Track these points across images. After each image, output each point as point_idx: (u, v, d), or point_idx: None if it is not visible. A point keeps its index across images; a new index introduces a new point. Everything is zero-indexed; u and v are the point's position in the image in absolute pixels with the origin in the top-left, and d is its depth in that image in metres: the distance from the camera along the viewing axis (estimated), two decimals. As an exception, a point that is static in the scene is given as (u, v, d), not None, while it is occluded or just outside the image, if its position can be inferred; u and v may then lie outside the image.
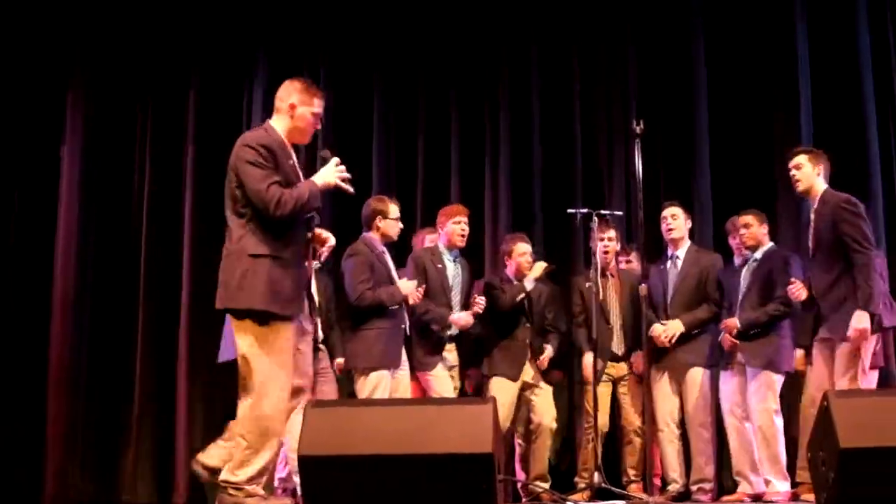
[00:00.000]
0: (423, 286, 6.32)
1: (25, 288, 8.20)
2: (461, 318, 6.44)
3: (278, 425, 4.52)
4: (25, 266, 8.23)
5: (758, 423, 6.21)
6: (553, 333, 6.87)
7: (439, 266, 6.51)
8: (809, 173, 5.77)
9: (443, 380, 6.41)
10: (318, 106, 4.76)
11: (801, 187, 5.83)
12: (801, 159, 5.80)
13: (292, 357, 4.56)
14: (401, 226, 6.37)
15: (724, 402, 6.43)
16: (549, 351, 6.74)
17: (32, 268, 8.21)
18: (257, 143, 4.64)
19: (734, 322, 6.30)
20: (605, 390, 6.67)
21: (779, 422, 6.20)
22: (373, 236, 6.28)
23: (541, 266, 6.69)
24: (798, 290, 5.79)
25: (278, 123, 4.74)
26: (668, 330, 6.48)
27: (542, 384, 6.69)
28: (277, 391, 4.50)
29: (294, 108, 4.71)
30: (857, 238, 5.50)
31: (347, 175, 4.69)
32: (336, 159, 4.71)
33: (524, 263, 6.70)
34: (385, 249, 6.32)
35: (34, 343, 8.06)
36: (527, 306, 6.69)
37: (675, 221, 6.72)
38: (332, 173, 4.66)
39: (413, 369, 6.39)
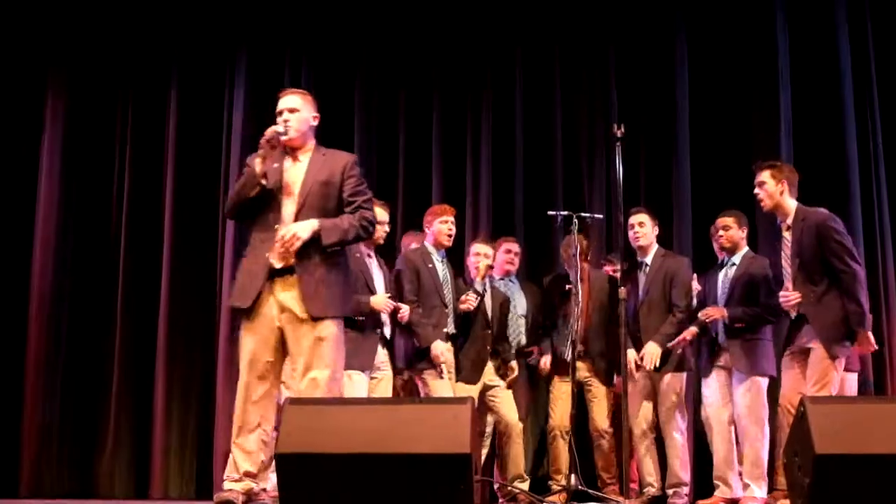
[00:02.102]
0: (395, 303, 6.29)
1: (3, 283, 8.15)
2: (442, 353, 6.36)
3: (237, 418, 4.80)
4: (3, 262, 8.18)
5: (745, 427, 6.19)
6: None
7: (430, 266, 6.48)
8: (773, 191, 5.76)
9: (442, 382, 6.36)
10: (278, 105, 4.98)
11: (766, 206, 5.84)
12: (764, 176, 5.79)
13: (253, 349, 4.78)
14: (385, 229, 6.34)
15: (708, 405, 6.42)
16: (514, 367, 6.74)
17: (10, 264, 8.17)
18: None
19: (721, 310, 6.26)
20: (565, 388, 6.58)
21: (766, 427, 6.18)
22: None
23: (482, 265, 6.64)
24: (794, 300, 5.77)
25: None
26: (646, 359, 6.40)
27: (502, 384, 6.68)
28: (240, 383, 4.82)
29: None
30: (843, 257, 5.53)
31: (266, 134, 4.80)
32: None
33: (475, 263, 6.69)
34: (371, 253, 6.29)
35: (11, 339, 8.02)
36: (489, 310, 6.68)
37: (643, 229, 6.66)
38: (259, 145, 4.84)
39: (408, 370, 6.40)
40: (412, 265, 6.46)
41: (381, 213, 6.27)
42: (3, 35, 8.40)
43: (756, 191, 5.84)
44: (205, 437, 7.88)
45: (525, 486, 6.61)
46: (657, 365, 6.41)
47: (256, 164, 4.76)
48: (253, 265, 4.81)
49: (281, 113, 4.91)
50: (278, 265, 4.75)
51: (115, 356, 8.02)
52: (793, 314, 5.72)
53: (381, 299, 6.14)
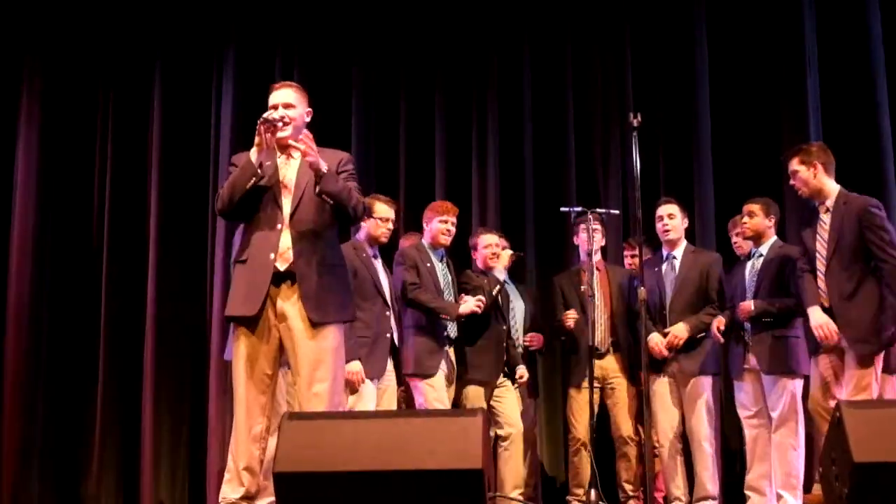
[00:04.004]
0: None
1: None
2: (471, 307, 6.37)
3: (236, 434, 4.79)
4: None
5: (778, 433, 6.15)
6: (525, 337, 6.87)
7: (428, 265, 6.48)
8: (807, 176, 5.74)
9: (440, 390, 6.34)
10: (270, 101, 4.93)
11: (803, 193, 5.83)
12: (794, 164, 5.78)
13: (252, 362, 4.77)
14: (389, 227, 6.30)
15: (741, 410, 6.39)
16: (523, 371, 6.72)
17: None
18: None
19: (748, 304, 6.23)
20: (587, 396, 6.57)
21: (800, 433, 6.13)
22: (360, 237, 6.30)
23: (507, 254, 6.66)
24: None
25: None
26: (671, 336, 6.43)
27: (507, 384, 6.65)
28: (237, 397, 4.81)
29: None
30: (885, 247, 5.49)
31: (264, 117, 4.75)
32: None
33: (488, 256, 6.71)
34: (376, 253, 6.29)
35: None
36: (500, 304, 6.68)
37: (672, 221, 6.66)
38: (256, 132, 4.78)
39: (403, 376, 6.37)
40: (412, 261, 6.45)
41: (385, 210, 6.27)
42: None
43: (791, 182, 5.83)
44: (197, 456, 7.88)
45: (520, 496, 6.59)
46: (679, 345, 6.40)
47: (253, 152, 4.74)
48: (253, 270, 4.77)
49: (276, 107, 4.87)
50: (282, 268, 4.75)
51: (100, 371, 8.00)
52: (825, 303, 5.69)
53: (470, 305, 6.30)
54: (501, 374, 6.66)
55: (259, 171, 4.72)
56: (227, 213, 4.86)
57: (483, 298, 6.40)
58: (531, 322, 6.99)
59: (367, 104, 8.30)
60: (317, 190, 4.71)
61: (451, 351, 6.52)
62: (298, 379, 4.78)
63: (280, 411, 5.53)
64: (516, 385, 6.69)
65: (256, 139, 4.74)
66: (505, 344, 6.68)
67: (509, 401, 6.63)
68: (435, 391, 6.31)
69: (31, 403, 7.99)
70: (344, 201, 4.75)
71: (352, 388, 5.88)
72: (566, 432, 7.11)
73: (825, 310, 5.63)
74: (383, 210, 6.25)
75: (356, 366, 5.91)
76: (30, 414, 7.97)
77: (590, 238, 6.58)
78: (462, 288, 6.66)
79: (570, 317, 6.65)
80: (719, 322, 6.34)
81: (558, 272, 7.43)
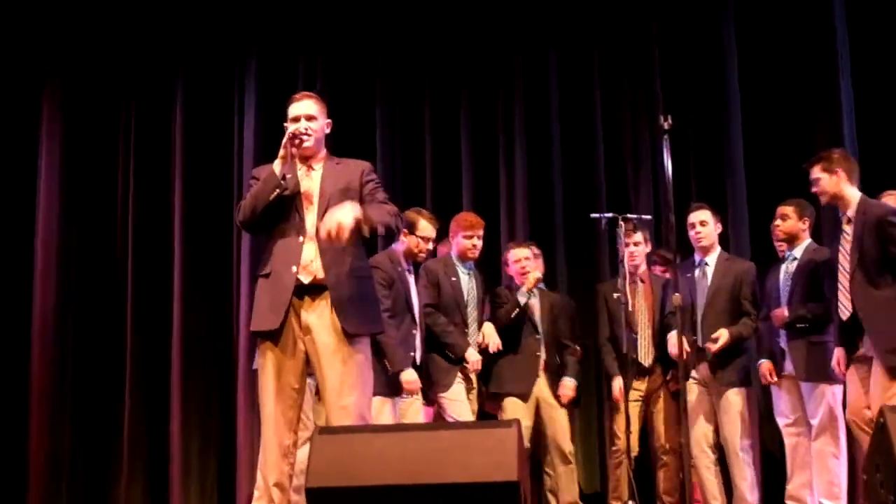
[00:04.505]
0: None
1: (2, 307, 8.16)
2: (476, 361, 6.38)
3: (265, 450, 4.78)
4: (1, 284, 8.19)
5: (818, 441, 6.09)
6: (568, 349, 6.80)
7: (453, 279, 6.44)
8: (828, 184, 5.71)
9: (460, 404, 6.33)
10: (290, 112, 4.92)
11: (824, 201, 5.82)
12: (816, 172, 5.75)
13: (278, 376, 4.74)
14: (429, 247, 6.30)
15: (780, 419, 6.35)
16: (568, 382, 6.68)
17: (9, 286, 8.18)
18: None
19: (783, 311, 6.18)
20: (634, 410, 6.53)
21: (842, 441, 6.06)
22: (398, 249, 6.26)
23: (534, 277, 6.61)
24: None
25: None
26: (714, 340, 6.36)
27: (555, 404, 6.63)
28: (265, 412, 4.78)
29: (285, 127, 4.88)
30: None
31: (291, 131, 4.74)
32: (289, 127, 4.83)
33: (518, 271, 6.67)
34: (410, 269, 6.26)
35: (12, 367, 8.03)
36: (536, 315, 6.66)
37: (705, 228, 6.59)
38: (282, 145, 4.76)
39: (428, 391, 6.35)
40: (434, 277, 6.43)
41: (429, 228, 6.25)
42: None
43: (813, 189, 5.80)
44: (226, 470, 7.89)
45: None
46: (719, 350, 6.33)
47: (276, 164, 4.72)
48: (276, 283, 4.74)
49: (297, 119, 4.86)
50: (306, 280, 4.72)
51: (127, 385, 8.03)
52: (844, 316, 5.65)
53: (475, 356, 6.33)
54: (549, 391, 6.64)
55: (282, 182, 4.71)
56: (248, 225, 4.86)
57: (479, 358, 6.40)
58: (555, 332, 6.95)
59: (391, 112, 8.28)
60: (372, 225, 4.60)
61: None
62: (325, 392, 4.76)
63: (309, 425, 5.56)
64: (563, 404, 6.67)
65: (282, 152, 4.73)
66: (539, 355, 6.64)
67: (558, 419, 6.63)
68: (453, 403, 6.33)
69: (58, 416, 8.02)
70: (392, 227, 4.76)
71: (409, 394, 6.03)
72: (601, 444, 7.07)
73: (851, 319, 5.59)
74: (427, 228, 6.23)
75: (411, 374, 5.97)
76: (57, 427, 8.00)
77: (620, 245, 6.53)
78: (492, 303, 6.67)
79: (618, 386, 6.56)
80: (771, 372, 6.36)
81: (588, 279, 7.39)
